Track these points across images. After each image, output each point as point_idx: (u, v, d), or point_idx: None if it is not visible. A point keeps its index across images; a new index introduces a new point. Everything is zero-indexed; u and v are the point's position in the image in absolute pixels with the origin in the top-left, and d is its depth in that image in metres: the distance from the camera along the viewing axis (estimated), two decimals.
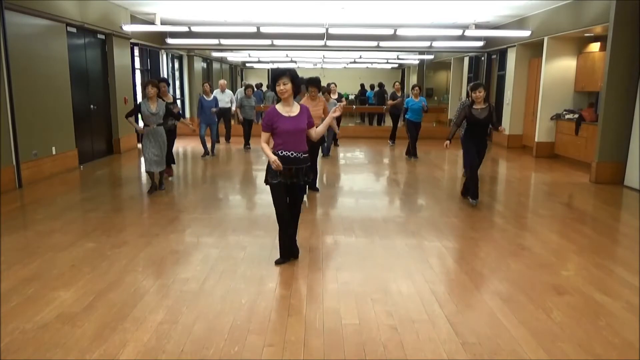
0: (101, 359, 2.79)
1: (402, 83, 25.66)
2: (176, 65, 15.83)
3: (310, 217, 5.90)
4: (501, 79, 12.98)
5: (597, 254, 4.67)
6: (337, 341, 3.00)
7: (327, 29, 11.88)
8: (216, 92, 11.10)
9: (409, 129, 10.30)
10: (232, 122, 12.29)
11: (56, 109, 8.19)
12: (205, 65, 18.55)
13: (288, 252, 4.32)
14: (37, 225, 5.39)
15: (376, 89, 21.26)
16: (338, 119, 9.73)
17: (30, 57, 7.46)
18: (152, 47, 13.19)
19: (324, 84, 8.18)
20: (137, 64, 12.61)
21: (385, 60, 22.22)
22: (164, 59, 14.27)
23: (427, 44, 13.41)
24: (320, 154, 8.54)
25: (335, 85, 11.37)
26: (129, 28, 10.75)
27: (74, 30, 8.85)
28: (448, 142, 6.23)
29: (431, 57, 18.22)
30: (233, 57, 20.74)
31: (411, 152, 10.31)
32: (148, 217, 5.81)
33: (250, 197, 7.01)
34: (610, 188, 7.64)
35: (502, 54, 12.90)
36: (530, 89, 11.67)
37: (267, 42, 13.78)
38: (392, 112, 12.44)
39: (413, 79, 23.08)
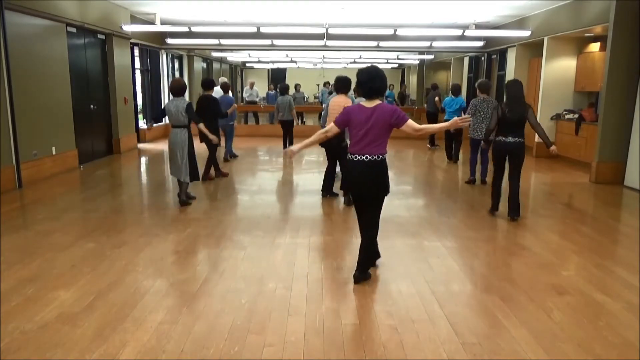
0: (101, 359, 2.79)
1: (402, 83, 25.70)
2: (176, 65, 15.84)
3: (311, 218, 5.90)
4: (501, 79, 12.97)
5: (597, 254, 4.67)
6: (337, 341, 3.00)
7: (327, 29, 11.88)
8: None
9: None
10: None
11: (56, 109, 8.19)
12: (205, 65, 18.56)
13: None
14: (37, 225, 5.39)
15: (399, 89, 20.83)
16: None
17: (30, 57, 7.46)
18: (152, 47, 13.18)
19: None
20: (137, 64, 12.61)
21: (385, 60, 22.22)
22: (164, 59, 14.28)
23: (427, 44, 13.41)
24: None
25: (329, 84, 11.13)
26: (129, 28, 10.75)
27: (74, 30, 8.85)
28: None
29: (431, 57, 18.21)
30: (233, 57, 20.75)
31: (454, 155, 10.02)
32: (148, 217, 5.81)
33: (250, 197, 7.01)
34: (610, 188, 7.64)
35: (502, 54, 12.90)
36: (530, 89, 11.66)
37: (267, 42, 13.78)
38: (430, 112, 11.94)
39: (413, 79, 23.12)
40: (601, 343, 3.03)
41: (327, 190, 6.70)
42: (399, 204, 6.86)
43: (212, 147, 7.77)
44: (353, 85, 6.10)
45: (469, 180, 7.86)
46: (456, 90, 9.80)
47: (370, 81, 3.77)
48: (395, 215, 6.05)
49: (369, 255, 4.01)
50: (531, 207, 6.69)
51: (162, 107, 6.14)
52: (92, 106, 9.71)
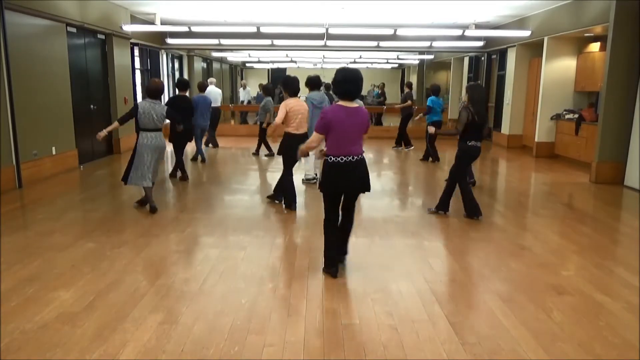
0: (101, 359, 2.79)
1: (402, 83, 25.69)
2: (176, 65, 15.84)
3: (310, 218, 5.90)
4: (501, 79, 12.98)
5: (597, 254, 4.67)
6: (337, 341, 3.00)
7: (327, 29, 11.88)
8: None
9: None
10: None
11: (56, 109, 8.18)
12: (205, 65, 18.56)
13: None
14: (37, 225, 5.39)
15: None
16: None
17: (30, 57, 7.46)
18: (152, 47, 13.19)
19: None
20: (137, 64, 12.61)
21: (385, 60, 22.23)
22: (164, 59, 14.28)
23: (427, 44, 13.40)
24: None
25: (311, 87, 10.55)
26: (129, 28, 10.75)
27: (74, 30, 8.85)
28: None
29: (431, 57, 18.21)
30: (233, 57, 20.75)
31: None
32: (148, 217, 5.81)
33: (250, 197, 7.00)
34: (610, 188, 7.64)
35: (502, 54, 12.90)
36: (530, 89, 11.67)
37: (267, 42, 13.78)
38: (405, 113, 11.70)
39: (413, 79, 23.11)
40: (601, 343, 3.03)
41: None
42: (399, 203, 6.86)
43: (180, 148, 7.82)
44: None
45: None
46: (437, 90, 9.79)
47: (347, 83, 3.79)
48: (395, 215, 6.05)
49: (344, 248, 4.18)
50: (531, 207, 6.69)
51: (133, 108, 5.69)
52: (92, 106, 9.70)
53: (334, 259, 4.03)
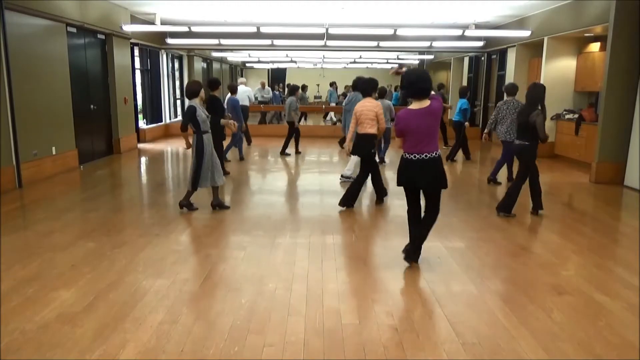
0: (101, 359, 2.79)
1: (402, 83, 25.68)
2: (176, 65, 15.84)
3: (311, 218, 5.90)
4: (501, 79, 12.97)
5: (597, 254, 4.67)
6: (337, 341, 3.00)
7: (327, 29, 11.88)
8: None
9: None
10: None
11: (56, 109, 8.19)
12: (205, 65, 18.55)
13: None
14: (37, 225, 5.39)
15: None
16: None
17: (30, 57, 7.46)
18: (152, 47, 13.19)
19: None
20: (137, 64, 12.61)
21: (385, 60, 22.19)
22: (164, 59, 14.28)
23: (427, 44, 13.40)
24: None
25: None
26: (129, 28, 10.75)
27: (74, 30, 8.85)
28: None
29: (431, 57, 18.20)
30: (233, 57, 20.74)
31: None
32: (148, 217, 5.81)
33: (250, 197, 7.01)
34: (610, 188, 7.64)
35: (502, 54, 12.90)
36: None
37: (267, 42, 13.79)
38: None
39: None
40: (601, 343, 3.03)
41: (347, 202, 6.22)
42: (399, 204, 6.84)
43: (219, 146, 7.74)
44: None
45: (494, 181, 7.91)
46: (461, 92, 9.99)
47: (421, 81, 3.99)
48: (395, 215, 6.05)
49: (420, 242, 4.29)
50: (531, 207, 6.68)
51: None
52: (92, 106, 9.71)
53: (412, 242, 4.28)
